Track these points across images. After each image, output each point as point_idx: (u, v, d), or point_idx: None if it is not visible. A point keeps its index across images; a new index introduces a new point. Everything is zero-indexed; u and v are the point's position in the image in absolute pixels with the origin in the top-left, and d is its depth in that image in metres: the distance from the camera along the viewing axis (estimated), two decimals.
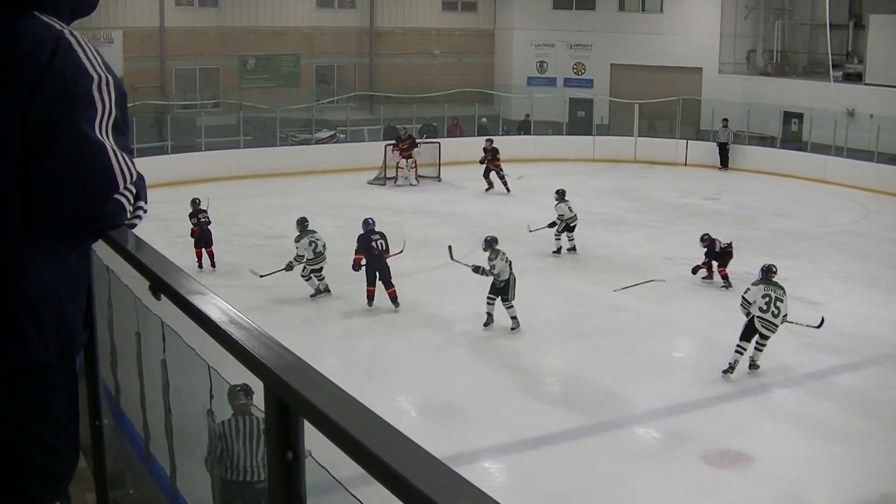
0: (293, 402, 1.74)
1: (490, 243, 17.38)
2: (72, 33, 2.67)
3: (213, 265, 20.48)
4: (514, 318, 16.84)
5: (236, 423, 7.79)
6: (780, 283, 15.40)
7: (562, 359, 16.01)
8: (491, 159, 30.82)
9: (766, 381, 14.91)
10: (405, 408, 13.80)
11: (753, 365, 15.16)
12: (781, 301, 15.01)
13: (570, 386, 14.83)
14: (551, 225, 22.45)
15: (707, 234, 20.51)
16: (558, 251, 22.41)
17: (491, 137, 32.75)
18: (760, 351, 15.16)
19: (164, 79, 36.49)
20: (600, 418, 13.53)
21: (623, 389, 14.43)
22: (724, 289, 19.72)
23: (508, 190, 30.50)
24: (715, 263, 20.29)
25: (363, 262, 18.18)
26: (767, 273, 15.44)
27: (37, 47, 2.60)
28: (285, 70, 39.60)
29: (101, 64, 2.71)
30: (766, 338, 15.05)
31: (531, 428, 13.07)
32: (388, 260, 18.22)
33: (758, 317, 14.93)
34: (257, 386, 1.89)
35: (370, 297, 18.20)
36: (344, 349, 15.88)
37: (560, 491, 11.23)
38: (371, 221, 18.74)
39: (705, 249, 20.21)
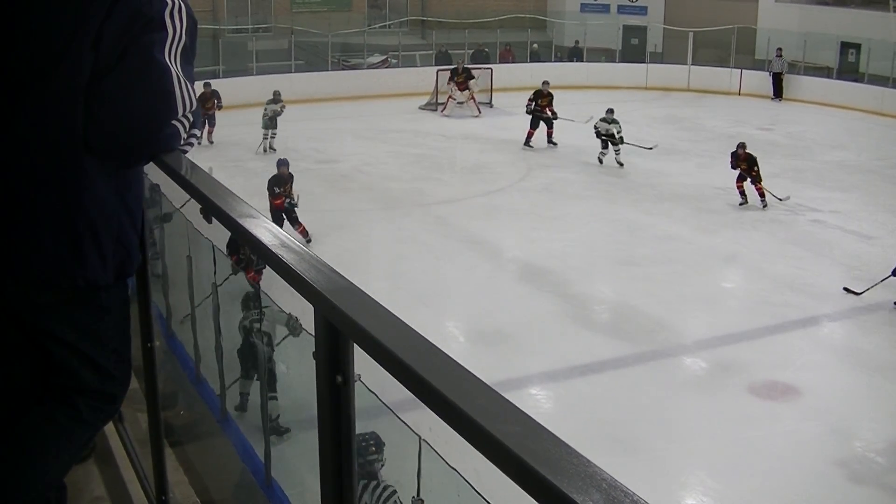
0: (343, 325, 1.75)
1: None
2: None
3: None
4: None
5: None
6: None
7: (611, 287, 15.96)
8: (548, 104, 27.28)
9: (815, 314, 14.83)
10: (454, 333, 13.84)
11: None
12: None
13: (619, 314, 14.81)
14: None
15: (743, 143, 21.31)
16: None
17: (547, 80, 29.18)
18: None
19: (215, 3, 36.44)
20: (648, 347, 13.52)
21: (672, 319, 14.40)
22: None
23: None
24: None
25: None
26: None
27: None
28: None
29: None
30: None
31: (579, 355, 13.09)
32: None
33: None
34: (307, 309, 1.90)
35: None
36: (393, 274, 15.91)
37: (607, 419, 11.26)
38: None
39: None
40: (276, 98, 25.37)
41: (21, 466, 2.87)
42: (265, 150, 24.61)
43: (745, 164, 20.48)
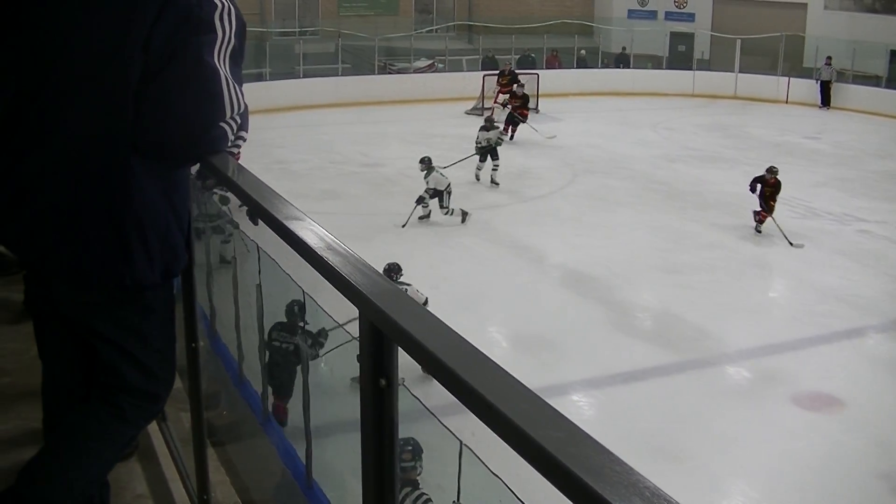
0: (388, 329, 1.76)
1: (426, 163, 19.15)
2: None
3: None
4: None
5: None
6: None
7: (654, 295, 15.88)
8: (518, 106, 28.19)
9: (860, 326, 14.69)
10: (496, 338, 13.83)
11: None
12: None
13: (662, 322, 14.75)
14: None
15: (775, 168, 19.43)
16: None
17: (522, 83, 29.67)
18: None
19: (263, 6, 36.60)
20: (691, 356, 13.46)
21: (715, 328, 14.32)
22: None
23: (511, 137, 27.11)
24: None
25: None
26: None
27: None
28: None
29: None
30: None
31: (621, 363, 13.05)
32: None
33: None
34: (352, 312, 1.90)
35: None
36: (436, 278, 15.90)
37: (648, 427, 11.21)
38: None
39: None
40: (490, 125, 23.18)
41: (65, 464, 2.90)
42: (480, 179, 22.74)
43: (772, 189, 19.11)
